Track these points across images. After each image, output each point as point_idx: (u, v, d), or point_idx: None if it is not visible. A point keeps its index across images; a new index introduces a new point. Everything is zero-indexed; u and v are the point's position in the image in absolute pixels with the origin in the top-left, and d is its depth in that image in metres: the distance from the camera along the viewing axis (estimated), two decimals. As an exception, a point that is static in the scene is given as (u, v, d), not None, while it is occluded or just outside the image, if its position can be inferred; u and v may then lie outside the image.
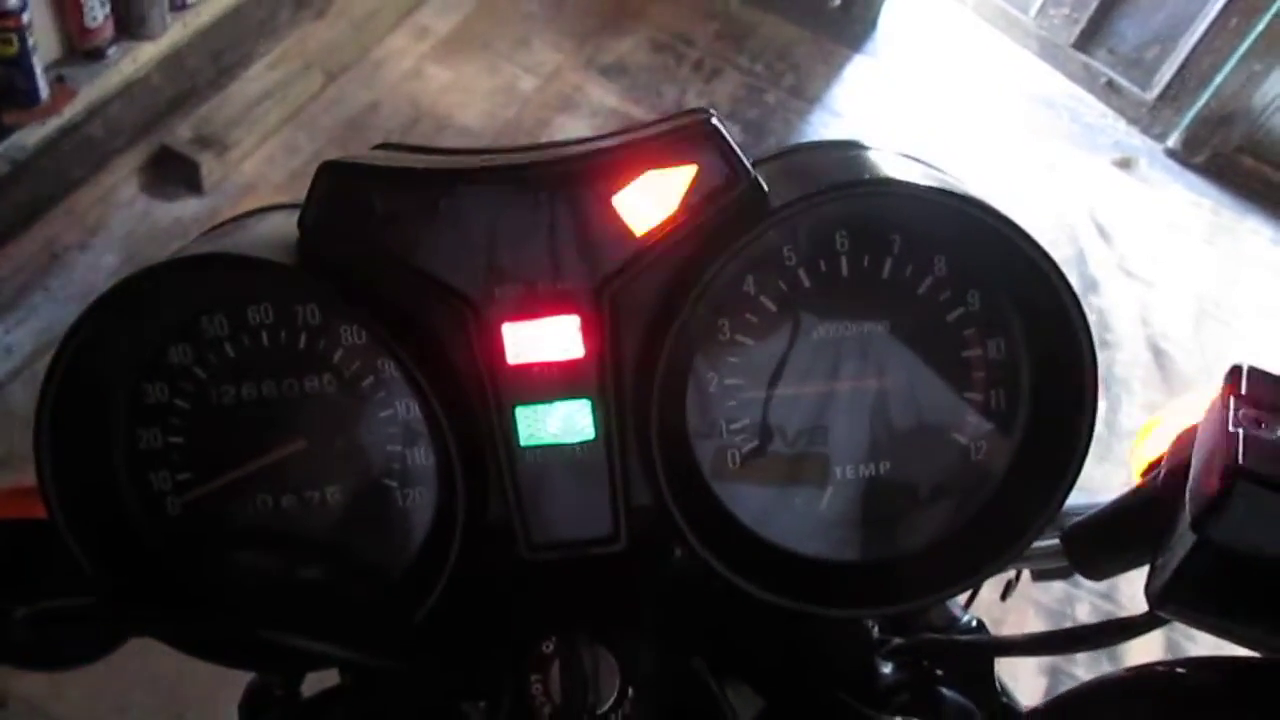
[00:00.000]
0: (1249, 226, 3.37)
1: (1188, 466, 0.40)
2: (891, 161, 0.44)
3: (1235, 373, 0.39)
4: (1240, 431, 0.36)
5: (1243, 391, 0.38)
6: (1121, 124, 3.62)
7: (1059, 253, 3.21)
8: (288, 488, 0.47)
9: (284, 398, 0.46)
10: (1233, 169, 3.51)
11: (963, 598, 0.59)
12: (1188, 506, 0.37)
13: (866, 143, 0.47)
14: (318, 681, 0.53)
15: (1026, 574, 0.65)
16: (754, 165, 0.44)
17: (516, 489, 0.45)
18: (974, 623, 0.54)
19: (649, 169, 0.41)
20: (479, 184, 0.41)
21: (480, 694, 0.50)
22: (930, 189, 0.40)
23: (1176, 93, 3.49)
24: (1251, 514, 0.35)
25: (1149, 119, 3.59)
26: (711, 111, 0.42)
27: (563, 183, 0.41)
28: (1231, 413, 0.37)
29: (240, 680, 0.57)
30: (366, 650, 0.44)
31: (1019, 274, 0.42)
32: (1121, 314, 2.98)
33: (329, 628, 0.44)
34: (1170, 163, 3.53)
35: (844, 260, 0.44)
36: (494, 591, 0.49)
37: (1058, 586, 2.08)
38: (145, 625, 0.45)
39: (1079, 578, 0.50)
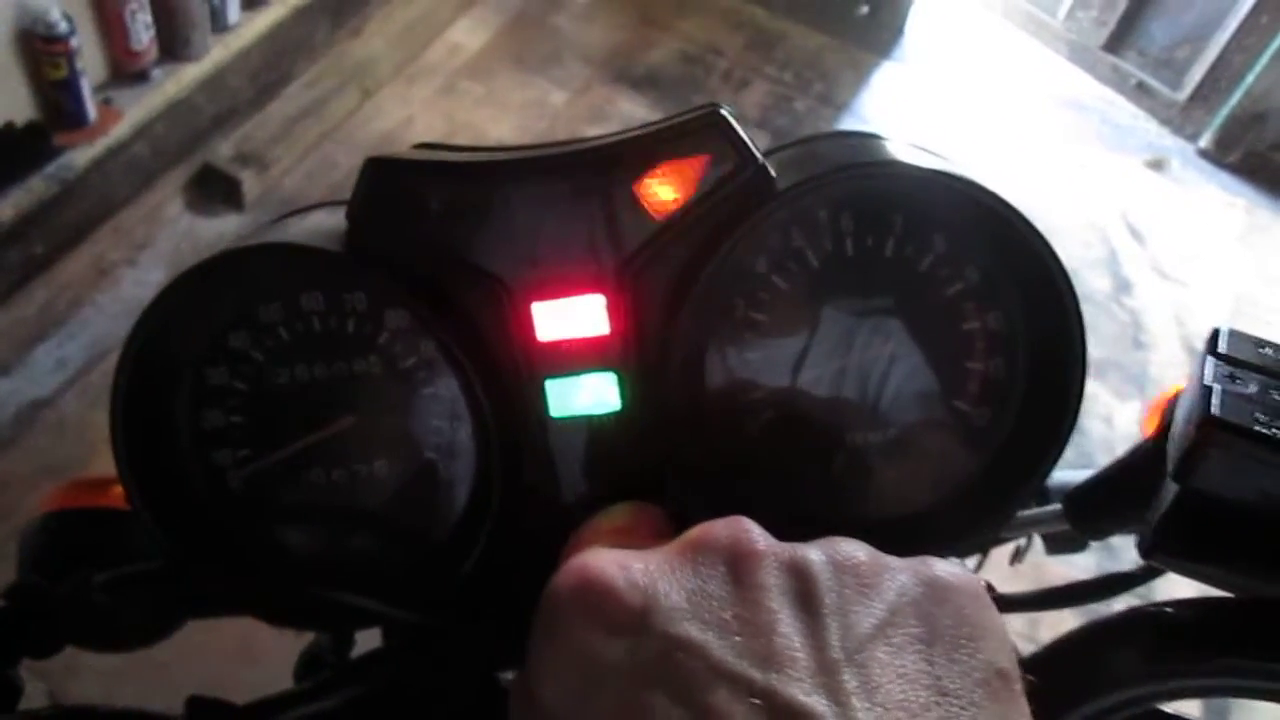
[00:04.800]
0: (1284, 225, 3.35)
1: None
2: (893, 148, 0.47)
3: (1214, 334, 0.42)
4: (1216, 385, 0.39)
5: (1220, 350, 0.41)
6: (1153, 125, 3.61)
7: (1091, 254, 3.20)
8: (338, 462, 0.50)
9: (334, 378, 0.49)
10: (1267, 167, 3.49)
11: (972, 562, 0.62)
12: (1169, 458, 0.40)
13: (876, 133, 0.50)
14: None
15: (1041, 548, 0.68)
16: (766, 154, 0.48)
17: (550, 457, 0.48)
18: (984, 584, 0.57)
19: (666, 158, 0.44)
20: (511, 176, 0.45)
21: (517, 663, 0.53)
22: (924, 169, 0.44)
23: (1208, 92, 3.48)
24: (1226, 461, 0.38)
25: (1180, 119, 3.58)
26: (723, 105, 0.45)
27: (587, 172, 0.45)
28: (1209, 369, 0.40)
29: (288, 678, 0.60)
30: (411, 607, 0.48)
31: (1012, 250, 0.46)
32: (1156, 315, 2.97)
33: (376, 588, 0.48)
34: (1203, 163, 3.51)
35: (849, 240, 0.48)
36: (531, 558, 0.52)
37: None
38: (211, 587, 0.49)
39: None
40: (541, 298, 0.46)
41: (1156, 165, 3.42)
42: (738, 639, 0.29)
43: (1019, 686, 0.30)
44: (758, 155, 0.44)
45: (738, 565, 0.31)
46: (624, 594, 0.31)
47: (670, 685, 0.28)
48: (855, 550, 0.33)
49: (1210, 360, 0.40)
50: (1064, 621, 0.50)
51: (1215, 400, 0.38)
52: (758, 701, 0.27)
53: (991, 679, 0.29)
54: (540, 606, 0.34)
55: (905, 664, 0.29)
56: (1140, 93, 3.58)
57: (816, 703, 0.27)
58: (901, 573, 0.32)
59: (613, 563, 0.32)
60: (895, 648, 0.29)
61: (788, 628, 0.29)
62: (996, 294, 0.48)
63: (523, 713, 0.35)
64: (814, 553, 0.32)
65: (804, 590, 0.31)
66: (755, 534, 0.33)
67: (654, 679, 0.28)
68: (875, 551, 0.33)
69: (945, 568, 0.33)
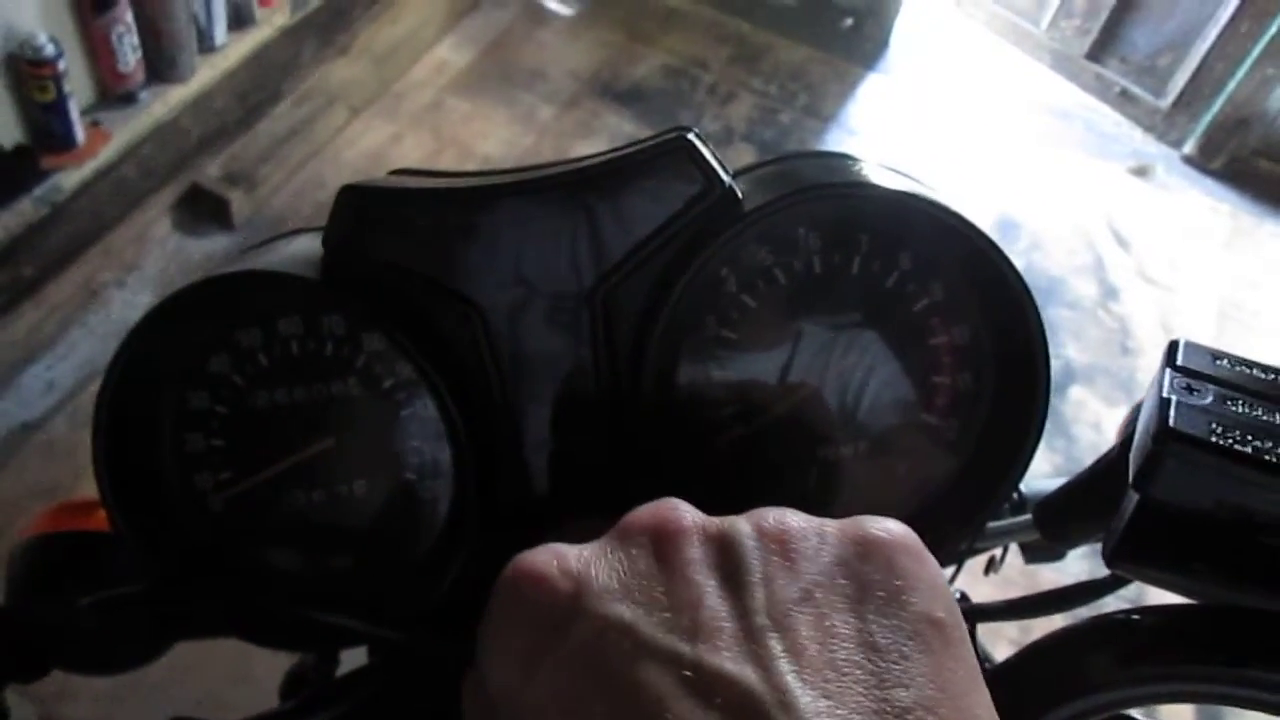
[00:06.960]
0: (1268, 230, 3.37)
1: (1136, 435, 0.43)
2: (861, 168, 0.48)
3: (1172, 346, 0.43)
4: (1173, 397, 0.40)
5: (1178, 362, 0.42)
6: (1137, 132, 3.63)
7: (1078, 261, 3.20)
8: (319, 483, 0.51)
9: (313, 401, 0.50)
10: (1250, 173, 3.51)
11: (947, 573, 0.62)
12: (1130, 468, 0.41)
13: (847, 154, 0.51)
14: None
15: (1019, 557, 0.69)
16: (739, 172, 0.48)
17: (526, 476, 0.49)
18: (958, 594, 0.58)
19: (636, 181, 0.45)
20: (483, 202, 0.46)
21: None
22: (887, 190, 0.45)
23: (1190, 99, 3.50)
24: (1183, 471, 0.39)
25: (1164, 126, 3.60)
26: (691, 128, 0.46)
27: (558, 196, 0.45)
28: (1167, 381, 0.41)
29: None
30: (392, 625, 0.48)
31: (976, 266, 0.47)
32: (1142, 320, 2.98)
33: (357, 607, 0.48)
34: (1187, 169, 3.53)
35: (816, 259, 0.48)
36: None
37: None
38: (194, 609, 0.49)
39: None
40: (515, 320, 0.47)
41: (1141, 172, 3.44)
42: (666, 614, 0.30)
43: (957, 634, 0.30)
44: (724, 178, 0.45)
45: (664, 543, 0.32)
46: (556, 581, 0.32)
47: (602, 665, 0.29)
48: (782, 517, 0.33)
49: (1168, 372, 0.41)
50: (1055, 624, 0.50)
51: (1172, 412, 0.39)
52: (687, 673, 0.28)
53: (924, 630, 0.29)
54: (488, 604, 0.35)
55: (834, 624, 0.29)
56: (1124, 100, 3.60)
57: (743, 670, 0.28)
58: (830, 534, 0.33)
59: (547, 554, 0.33)
60: (823, 609, 0.30)
61: (714, 599, 0.30)
62: (962, 309, 0.49)
63: (472, 705, 0.36)
64: (740, 524, 0.33)
65: (730, 562, 0.31)
66: (681, 511, 0.34)
67: (587, 660, 0.29)
68: (805, 517, 0.34)
69: (876, 524, 0.33)
